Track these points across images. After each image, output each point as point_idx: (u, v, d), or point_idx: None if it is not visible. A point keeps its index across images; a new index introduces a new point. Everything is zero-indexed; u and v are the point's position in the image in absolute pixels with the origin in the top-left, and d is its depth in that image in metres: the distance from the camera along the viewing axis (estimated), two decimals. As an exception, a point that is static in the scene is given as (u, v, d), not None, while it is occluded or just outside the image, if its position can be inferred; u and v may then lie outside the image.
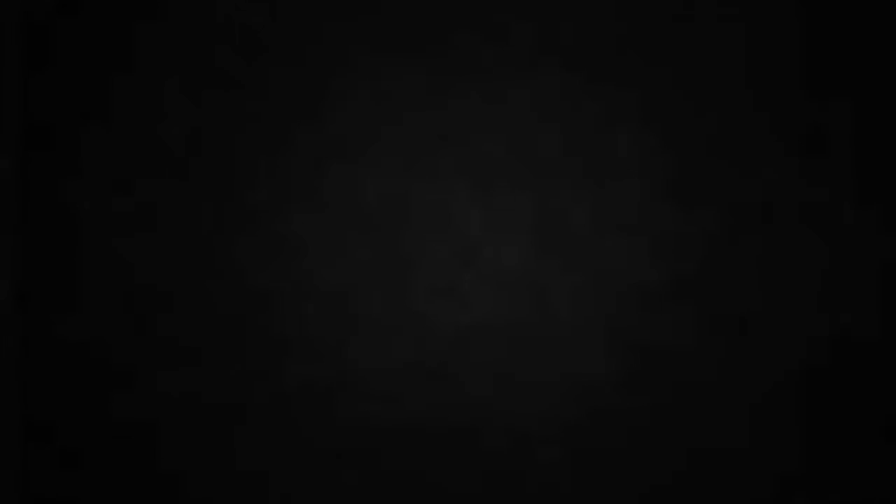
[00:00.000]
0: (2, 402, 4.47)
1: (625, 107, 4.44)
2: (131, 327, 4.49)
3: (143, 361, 4.49)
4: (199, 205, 4.49)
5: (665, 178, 4.43)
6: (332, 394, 4.45)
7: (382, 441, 4.44)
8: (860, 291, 4.37)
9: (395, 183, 4.47)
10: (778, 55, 4.43)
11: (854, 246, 4.38)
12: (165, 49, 4.52)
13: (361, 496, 4.46)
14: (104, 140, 4.52)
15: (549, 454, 4.41)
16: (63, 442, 4.50)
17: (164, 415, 4.48)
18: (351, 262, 4.48)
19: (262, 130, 4.50)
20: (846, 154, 4.40)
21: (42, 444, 4.51)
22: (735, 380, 4.38)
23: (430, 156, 4.47)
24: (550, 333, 4.42)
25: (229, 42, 4.51)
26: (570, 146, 4.45)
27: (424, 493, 4.45)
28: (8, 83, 4.51)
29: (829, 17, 4.42)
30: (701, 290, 4.40)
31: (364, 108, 4.49)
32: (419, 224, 4.46)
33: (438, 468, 4.44)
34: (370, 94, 4.48)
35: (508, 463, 4.43)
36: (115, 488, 4.50)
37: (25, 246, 4.53)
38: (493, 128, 4.46)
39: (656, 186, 4.42)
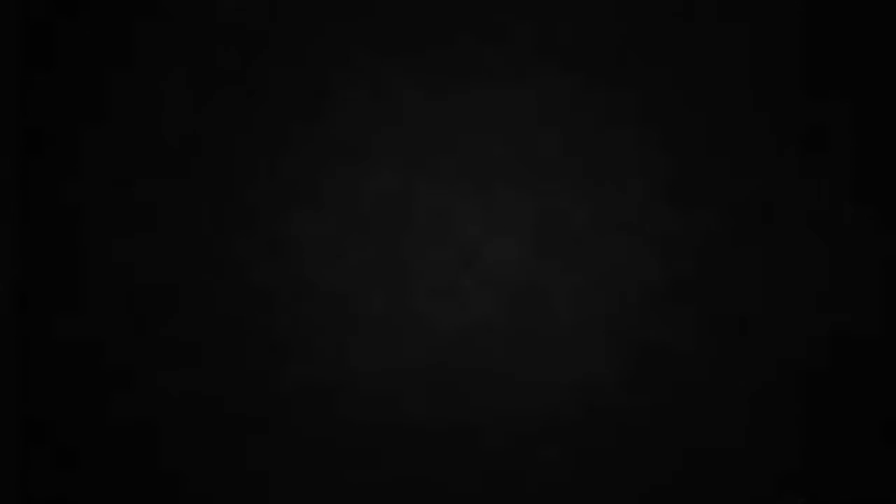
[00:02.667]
0: (1, 402, 4.47)
1: (625, 107, 4.44)
2: (131, 327, 4.48)
3: (142, 361, 4.48)
4: (199, 204, 4.49)
5: (665, 179, 4.43)
6: (332, 394, 4.44)
7: (382, 441, 4.44)
8: (860, 291, 4.38)
9: (396, 183, 4.47)
10: (778, 54, 4.43)
11: (854, 245, 4.38)
12: (165, 48, 4.51)
13: (362, 496, 4.46)
14: (104, 140, 4.52)
15: (549, 454, 4.41)
16: (62, 441, 4.49)
17: (164, 414, 4.48)
18: (351, 262, 4.47)
19: (262, 130, 4.50)
20: (846, 153, 4.40)
21: (41, 443, 4.50)
22: (735, 379, 4.38)
23: (430, 156, 4.47)
24: (551, 334, 4.42)
25: (229, 42, 4.50)
26: (570, 146, 4.44)
27: (425, 494, 4.45)
28: (7, 83, 4.51)
29: (829, 16, 4.42)
30: (701, 290, 4.40)
31: (364, 108, 4.48)
32: (419, 224, 4.45)
33: (438, 468, 4.44)
34: (370, 93, 4.48)
35: (508, 463, 4.42)
36: (114, 488, 4.50)
37: (25, 245, 4.52)
38: (493, 128, 4.46)
39: (656, 186, 4.42)
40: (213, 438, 4.47)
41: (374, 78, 4.48)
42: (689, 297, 4.40)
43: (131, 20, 4.53)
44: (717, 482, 4.39)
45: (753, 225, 4.40)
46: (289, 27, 4.50)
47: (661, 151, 4.42)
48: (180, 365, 4.47)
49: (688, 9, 4.43)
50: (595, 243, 4.42)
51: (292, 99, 4.49)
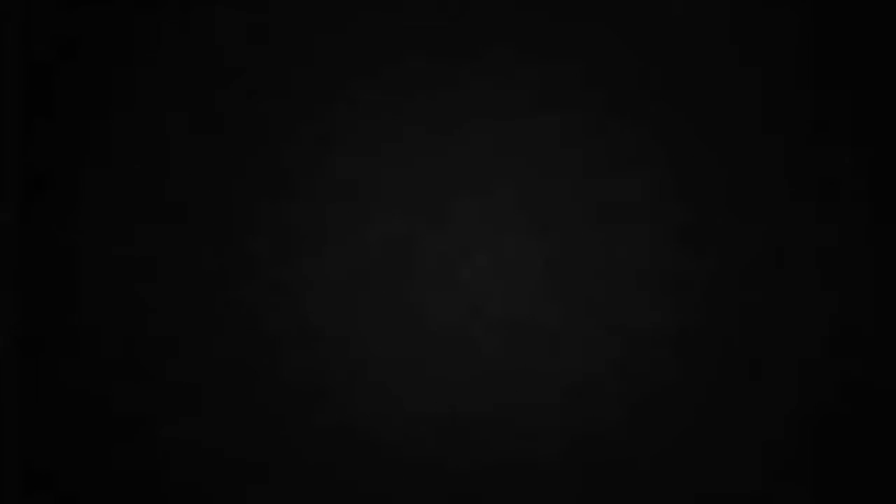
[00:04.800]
0: (1, 450, 4.46)
1: (637, 151, 4.43)
2: (133, 374, 4.47)
3: (145, 409, 4.47)
4: (200, 250, 4.48)
5: (677, 223, 4.42)
6: (338, 440, 4.44)
7: (391, 487, 4.43)
8: (874, 337, 4.38)
9: (401, 227, 4.46)
10: (790, 99, 4.43)
11: (866, 290, 4.39)
12: (164, 92, 4.50)
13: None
14: (104, 184, 4.50)
15: (561, 499, 4.41)
16: (63, 489, 4.49)
17: (167, 464, 4.46)
18: (357, 307, 4.46)
19: (264, 174, 4.49)
20: (859, 198, 4.40)
21: (42, 491, 4.49)
22: (746, 424, 4.38)
23: (437, 200, 4.46)
24: (560, 380, 4.41)
25: (230, 86, 4.49)
26: (581, 190, 4.44)
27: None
28: (9, 127, 4.50)
29: (842, 60, 4.42)
30: (712, 334, 4.39)
31: (368, 151, 4.47)
32: (425, 269, 4.44)
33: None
34: (374, 136, 4.47)
35: (518, 511, 4.43)
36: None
37: (26, 292, 4.51)
38: (501, 171, 4.45)
39: (669, 231, 4.42)
40: (215, 486, 4.46)
41: (377, 120, 4.47)
42: (700, 342, 4.40)
43: (131, 64, 4.52)
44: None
45: (765, 269, 4.40)
46: (290, 70, 4.49)
47: (673, 196, 4.42)
48: (182, 413, 4.46)
49: (702, 53, 4.42)
50: (605, 288, 4.42)
51: (295, 143, 4.49)
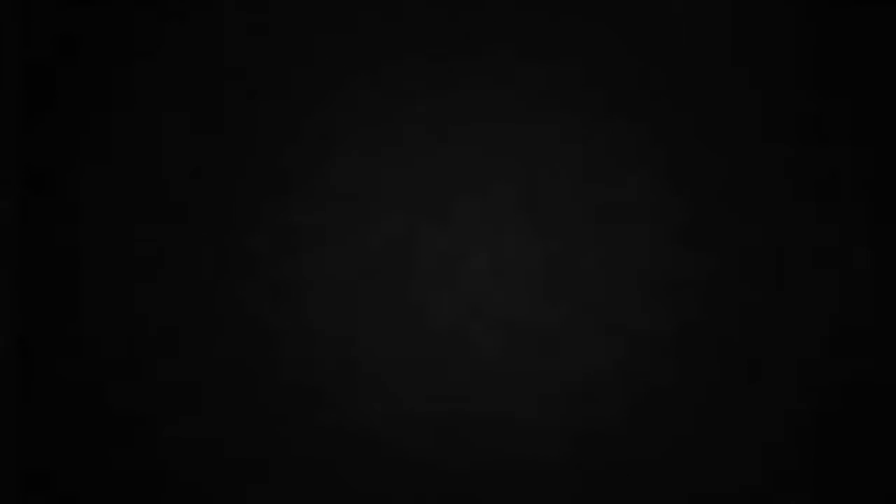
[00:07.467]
0: (1, 449, 4.47)
1: (637, 150, 4.43)
2: (133, 373, 4.47)
3: (144, 407, 4.47)
4: (200, 249, 4.48)
5: (677, 222, 4.42)
6: (338, 439, 4.44)
7: (389, 486, 4.42)
8: (874, 336, 4.38)
9: (401, 227, 4.46)
10: (791, 98, 4.43)
11: (866, 289, 4.39)
12: (164, 92, 4.51)
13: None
14: (104, 182, 4.51)
15: (558, 499, 4.41)
16: (62, 489, 4.48)
17: (165, 462, 4.46)
18: (357, 306, 4.46)
19: (264, 173, 4.49)
20: (859, 198, 4.40)
21: (41, 491, 4.49)
22: (745, 424, 4.38)
23: (437, 200, 4.46)
24: (560, 380, 4.41)
25: (230, 85, 4.50)
26: (581, 189, 4.44)
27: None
28: (8, 125, 4.51)
29: (841, 59, 4.43)
30: (712, 334, 4.40)
31: (368, 150, 4.48)
32: (425, 268, 4.45)
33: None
34: (375, 136, 4.48)
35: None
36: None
37: (25, 291, 4.51)
38: (501, 171, 4.46)
39: (669, 230, 4.42)
40: (215, 484, 4.46)
41: (378, 120, 4.47)
42: (700, 342, 4.40)
43: (131, 63, 4.52)
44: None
45: (765, 268, 4.40)
46: (290, 70, 4.49)
47: (673, 194, 4.42)
48: (182, 411, 4.45)
49: (701, 51, 4.43)
50: (604, 287, 4.42)
51: (295, 142, 4.49)
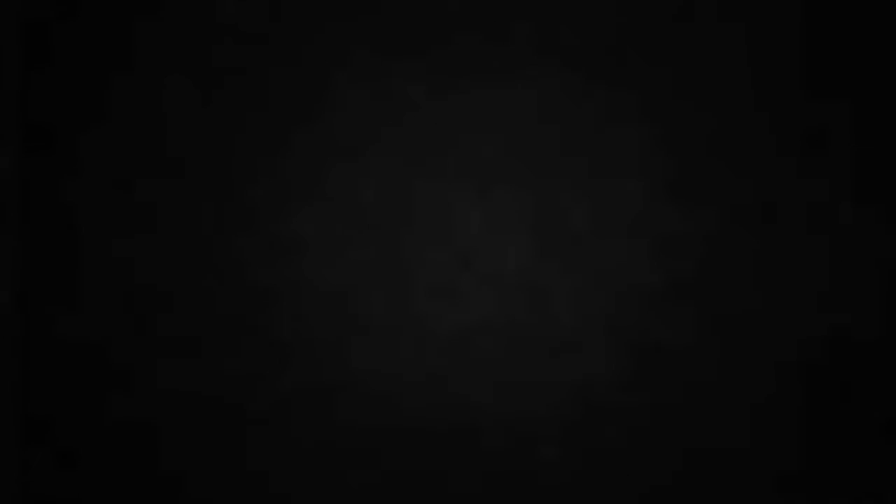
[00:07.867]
0: (1, 402, 4.47)
1: (625, 106, 4.43)
2: (131, 326, 4.48)
3: (142, 360, 4.48)
4: (199, 204, 4.48)
5: (666, 178, 4.42)
6: (332, 394, 4.44)
7: (382, 441, 4.43)
8: (860, 291, 4.37)
9: (396, 183, 4.46)
10: (778, 54, 4.42)
11: (853, 245, 4.37)
12: (165, 48, 4.51)
13: (362, 496, 4.46)
14: (104, 139, 4.51)
15: (548, 454, 4.40)
16: (63, 441, 4.49)
17: (164, 414, 4.47)
18: (351, 261, 4.47)
19: (262, 130, 4.49)
20: (846, 153, 4.39)
21: (42, 443, 4.50)
22: (735, 379, 4.38)
23: (430, 156, 4.46)
24: (550, 334, 4.41)
25: (229, 42, 4.50)
26: (570, 145, 4.44)
27: (424, 493, 4.45)
28: (7, 83, 4.51)
29: (829, 16, 4.41)
30: (701, 289, 4.39)
31: (364, 108, 4.48)
32: (419, 224, 4.44)
33: (438, 468, 4.44)
34: (370, 93, 4.47)
35: (508, 463, 4.42)
36: (116, 488, 4.50)
37: (25, 246, 4.52)
38: (493, 128, 4.45)
39: (657, 186, 4.41)
40: (213, 438, 4.47)
41: (374, 78, 4.47)
42: (689, 297, 4.39)
43: (131, 20, 4.52)
44: (717, 482, 4.39)
45: (753, 225, 4.39)
46: (288, 27, 4.50)
47: (662, 151, 4.42)
48: (180, 365, 4.46)
49: (688, 9, 4.42)
50: (595, 243, 4.42)
51: (292, 99, 4.49)
